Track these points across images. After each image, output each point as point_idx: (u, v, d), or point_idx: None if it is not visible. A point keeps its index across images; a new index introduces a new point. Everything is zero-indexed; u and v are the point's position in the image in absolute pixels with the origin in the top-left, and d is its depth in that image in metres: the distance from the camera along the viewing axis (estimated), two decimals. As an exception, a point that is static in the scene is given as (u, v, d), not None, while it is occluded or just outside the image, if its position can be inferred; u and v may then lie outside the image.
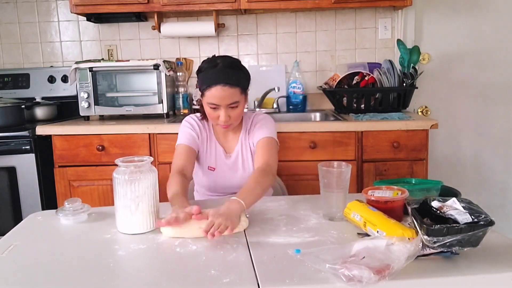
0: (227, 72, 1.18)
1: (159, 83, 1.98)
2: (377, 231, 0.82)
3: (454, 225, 0.73)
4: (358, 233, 0.86)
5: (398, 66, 2.08)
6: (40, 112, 2.14)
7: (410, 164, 1.84)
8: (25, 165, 1.86)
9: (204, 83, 1.18)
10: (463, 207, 0.79)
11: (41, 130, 1.86)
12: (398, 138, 1.81)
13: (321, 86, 2.20)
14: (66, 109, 2.23)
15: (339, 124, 1.86)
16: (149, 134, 1.79)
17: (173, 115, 2.16)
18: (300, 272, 0.70)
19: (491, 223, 0.74)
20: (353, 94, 2.08)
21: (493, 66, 2.23)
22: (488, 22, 2.20)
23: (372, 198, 0.91)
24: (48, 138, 1.88)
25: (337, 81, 2.11)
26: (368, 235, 0.83)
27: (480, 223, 0.74)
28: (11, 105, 1.98)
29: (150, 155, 1.85)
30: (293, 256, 0.75)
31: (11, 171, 1.85)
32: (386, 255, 0.70)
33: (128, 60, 1.99)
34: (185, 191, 1.10)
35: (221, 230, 0.86)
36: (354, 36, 2.22)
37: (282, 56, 2.28)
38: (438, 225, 0.73)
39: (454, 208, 0.79)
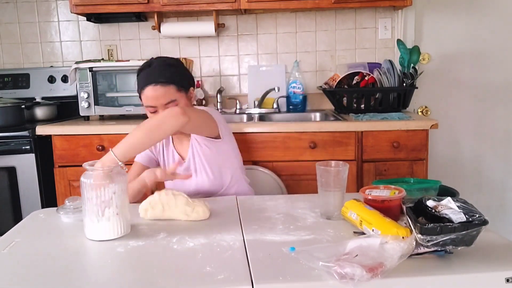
0: (159, 70, 1.14)
1: None
2: (372, 230, 0.82)
3: (448, 224, 0.74)
4: (354, 232, 0.87)
5: (398, 66, 2.09)
6: (40, 112, 2.15)
7: (410, 164, 1.85)
8: (25, 165, 1.86)
9: (138, 86, 1.15)
10: (458, 206, 0.79)
11: (41, 130, 1.87)
12: (398, 138, 1.82)
13: (321, 86, 2.21)
14: (66, 109, 2.24)
15: (339, 124, 1.88)
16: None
17: None
18: (294, 269, 0.71)
19: (484, 222, 0.74)
20: (353, 94, 2.09)
21: (493, 66, 2.24)
22: (488, 22, 2.21)
23: (369, 197, 0.92)
24: (48, 138, 1.89)
25: (337, 81, 2.12)
26: (364, 234, 0.84)
27: (474, 222, 0.74)
28: (11, 105, 1.99)
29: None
30: (288, 254, 0.76)
31: (11, 171, 1.85)
32: (379, 254, 0.71)
33: (128, 60, 2.00)
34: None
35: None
36: (354, 36, 2.23)
37: (282, 56, 2.29)
38: (432, 224, 0.73)
39: (449, 208, 0.80)
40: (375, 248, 0.73)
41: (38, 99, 2.19)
